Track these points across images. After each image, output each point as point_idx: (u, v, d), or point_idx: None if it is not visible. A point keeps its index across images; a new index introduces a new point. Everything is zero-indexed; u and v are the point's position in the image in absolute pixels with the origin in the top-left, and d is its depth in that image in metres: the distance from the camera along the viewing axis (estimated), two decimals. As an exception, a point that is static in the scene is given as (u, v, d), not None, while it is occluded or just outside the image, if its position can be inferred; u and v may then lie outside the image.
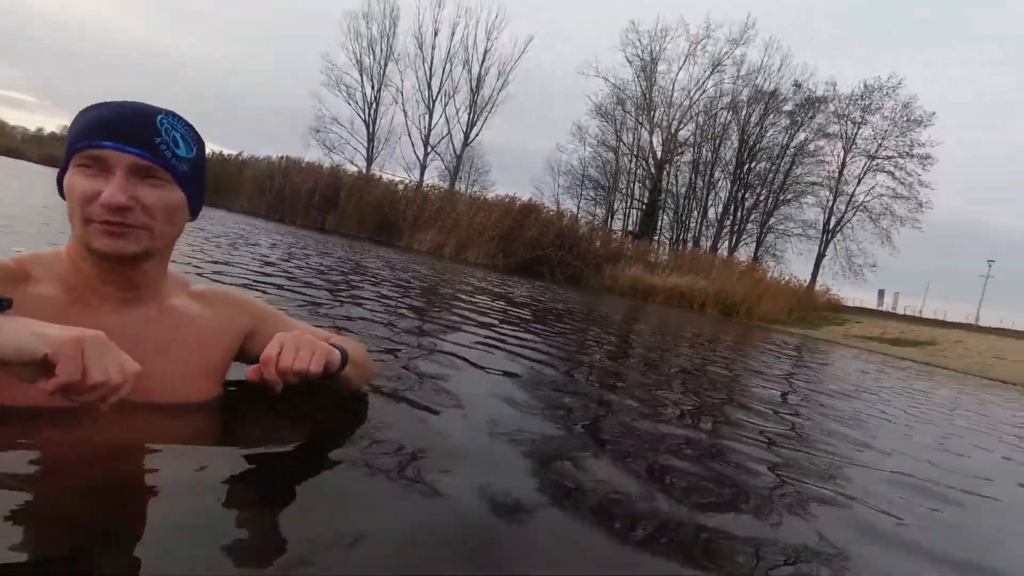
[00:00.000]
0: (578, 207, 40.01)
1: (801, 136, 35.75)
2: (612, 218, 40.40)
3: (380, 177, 31.21)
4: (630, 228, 38.40)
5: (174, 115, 1.05)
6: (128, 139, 0.95)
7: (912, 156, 32.56)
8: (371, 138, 40.80)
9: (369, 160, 40.51)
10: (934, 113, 32.13)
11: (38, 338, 0.74)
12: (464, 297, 6.63)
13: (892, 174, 33.49)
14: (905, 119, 32.69)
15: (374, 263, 9.41)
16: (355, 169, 35.04)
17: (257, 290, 3.67)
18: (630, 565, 1.07)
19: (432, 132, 40.70)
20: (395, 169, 47.36)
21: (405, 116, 40.67)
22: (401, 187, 30.26)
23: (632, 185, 40.37)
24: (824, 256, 35.21)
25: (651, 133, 38.49)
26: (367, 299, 4.35)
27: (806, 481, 1.86)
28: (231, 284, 3.55)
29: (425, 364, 2.53)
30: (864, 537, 1.45)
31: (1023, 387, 13.34)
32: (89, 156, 0.95)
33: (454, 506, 1.11)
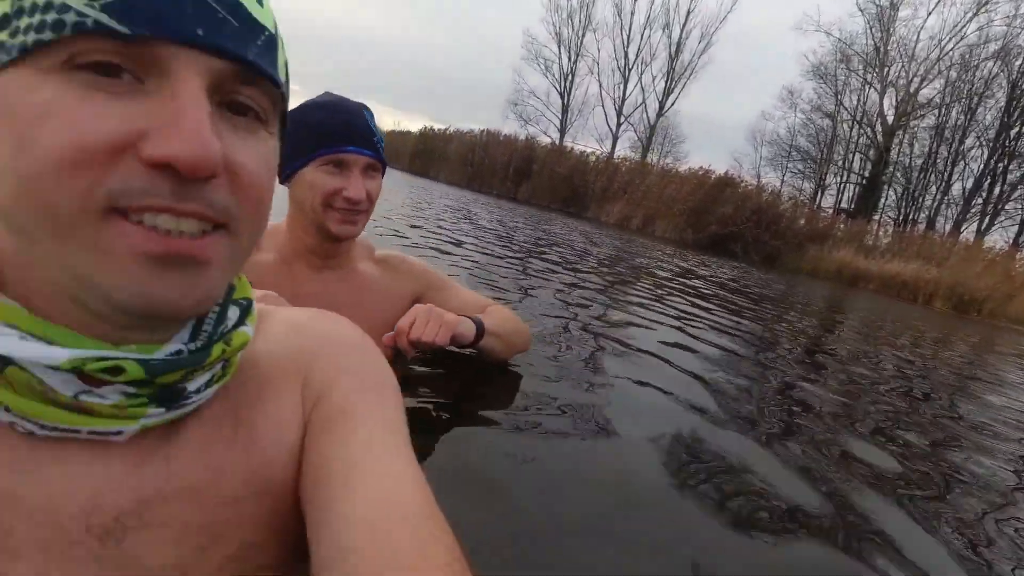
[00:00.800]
0: (782, 181, 36.43)
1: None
2: (822, 194, 36.02)
3: (571, 148, 31.88)
4: (843, 205, 33.92)
5: (368, 109, 1.17)
6: (363, 143, 1.09)
7: None
8: (565, 109, 41.60)
9: (562, 131, 41.47)
10: None
11: None
12: (646, 275, 6.81)
13: None
14: None
15: (562, 233, 9.98)
16: (548, 141, 36.21)
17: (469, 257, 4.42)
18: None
19: (626, 102, 40.09)
20: (587, 140, 47.91)
21: (600, 86, 40.70)
22: (592, 158, 30.60)
23: (851, 156, 35.36)
24: None
25: (882, 94, 33.06)
26: (548, 272, 4.88)
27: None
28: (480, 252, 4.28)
29: (603, 350, 2.87)
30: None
31: None
32: (333, 160, 1.10)
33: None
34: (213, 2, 0.31)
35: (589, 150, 32.31)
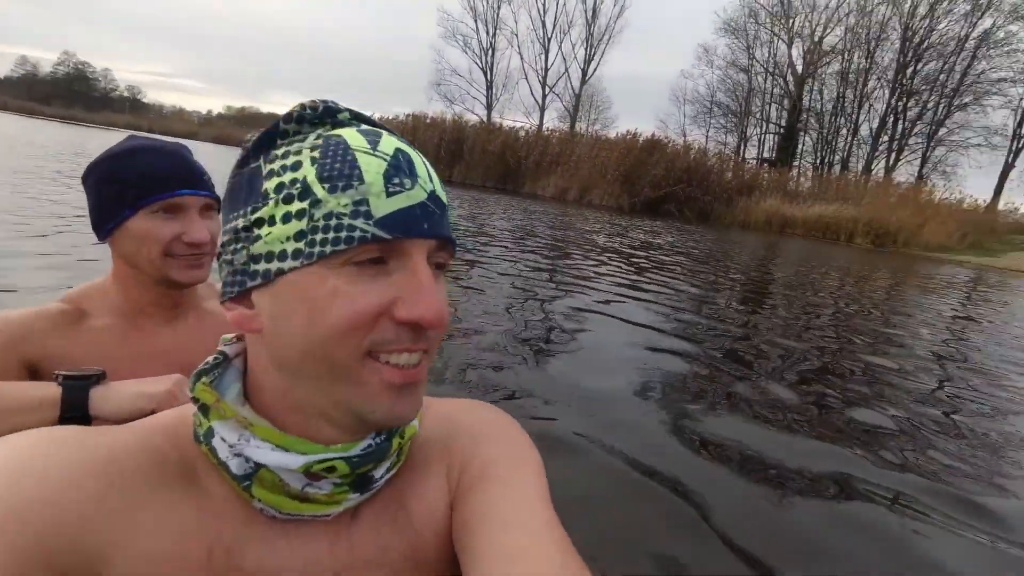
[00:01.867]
0: (707, 137, 37.53)
1: (987, 23, 29.87)
2: (745, 146, 37.41)
3: (500, 124, 31.63)
4: (765, 155, 35.37)
5: (187, 148, 1.12)
6: (196, 183, 1.04)
7: None
8: (489, 85, 41.13)
9: (489, 108, 41.05)
10: None
11: (142, 397, 0.87)
12: (589, 245, 6.86)
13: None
14: None
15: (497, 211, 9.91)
16: (476, 119, 35.76)
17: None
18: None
19: (549, 72, 40.01)
20: (515, 115, 47.56)
21: (521, 59, 40.36)
22: (522, 133, 30.47)
23: (768, 107, 36.81)
24: (1013, 167, 29.88)
25: (790, 44, 34.45)
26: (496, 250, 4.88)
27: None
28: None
29: (557, 316, 2.89)
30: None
31: None
32: (165, 206, 1.03)
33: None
34: (434, 208, 0.45)
35: (518, 124, 32.16)
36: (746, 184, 26.20)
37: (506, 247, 5.75)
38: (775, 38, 35.04)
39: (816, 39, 33.43)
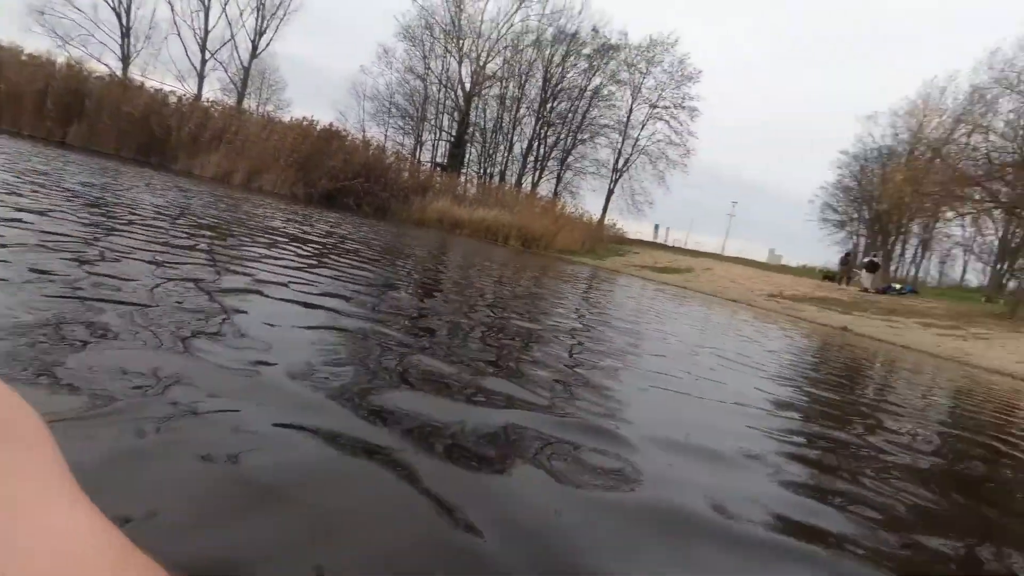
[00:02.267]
0: (385, 136, 38.29)
1: (597, 80, 38.44)
2: (421, 149, 39.59)
3: (142, 84, 25.86)
4: (439, 160, 38.09)
5: None
6: None
7: (683, 107, 37.35)
8: (125, 32, 33.36)
9: (125, 60, 33.28)
10: (701, 71, 37.05)
11: None
12: (258, 229, 5.94)
13: (668, 123, 38.16)
14: (680, 74, 37.12)
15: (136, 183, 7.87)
16: (106, 70, 28.52)
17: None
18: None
19: (210, 35, 34.73)
20: (164, 76, 39.72)
21: (172, 10, 33.91)
22: (173, 99, 25.52)
23: (441, 116, 39.78)
24: (613, 193, 39.27)
25: (460, 63, 37.94)
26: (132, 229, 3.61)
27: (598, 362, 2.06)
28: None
29: (229, 303, 2.24)
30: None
31: (743, 303, 16.77)
32: None
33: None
34: None
35: (168, 88, 26.86)
36: (421, 184, 27.56)
37: (155, 226, 4.41)
38: (447, 54, 38.09)
39: (481, 63, 37.60)
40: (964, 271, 39.17)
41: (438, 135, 39.83)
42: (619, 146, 39.11)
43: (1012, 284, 28.04)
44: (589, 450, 1.64)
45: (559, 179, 39.55)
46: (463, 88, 38.22)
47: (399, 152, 32.32)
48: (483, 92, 38.77)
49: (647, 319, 6.34)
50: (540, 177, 39.49)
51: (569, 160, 39.54)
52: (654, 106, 38.06)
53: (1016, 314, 16.78)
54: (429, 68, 38.36)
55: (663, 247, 38.61)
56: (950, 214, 29.09)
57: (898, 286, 23.33)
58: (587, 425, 1.88)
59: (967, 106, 24.68)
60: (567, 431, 1.77)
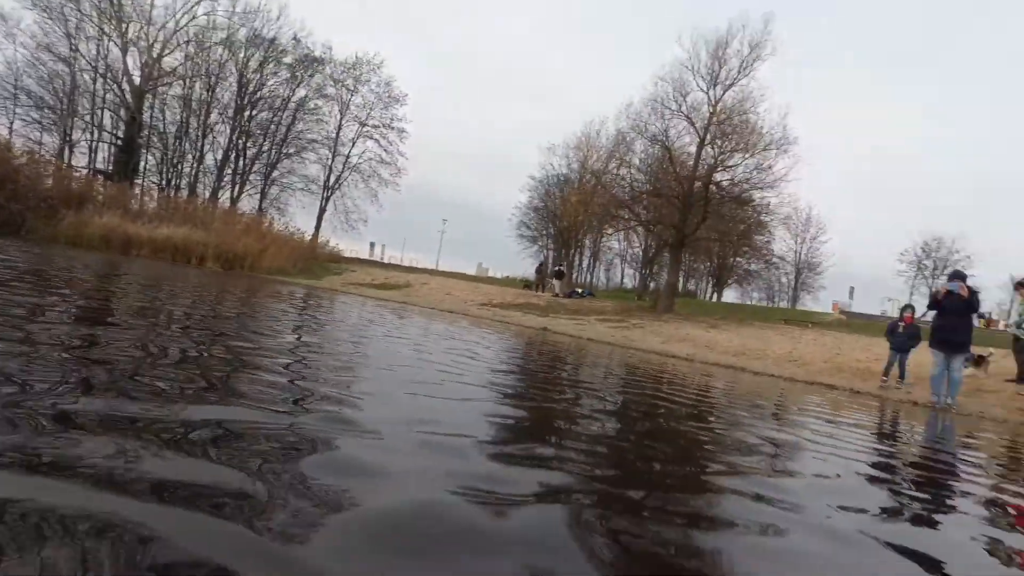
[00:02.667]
0: (10, 129, 29.21)
1: (302, 92, 36.37)
2: (72, 151, 31.40)
3: None
4: (100, 167, 30.83)
5: None
6: None
7: (392, 128, 38.10)
8: None
9: None
10: (407, 94, 38.38)
11: None
12: None
13: (378, 141, 38.39)
14: (387, 95, 37.79)
15: None
16: None
17: None
18: None
19: None
20: None
21: None
22: None
23: (99, 112, 32.27)
24: (325, 211, 37.57)
25: (124, 51, 31.41)
26: None
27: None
28: None
29: None
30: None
31: (459, 312, 17.78)
32: None
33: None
34: None
35: None
36: (75, 195, 21.85)
37: None
38: (105, 37, 31.15)
39: (155, 55, 31.84)
40: (622, 276, 49.43)
41: (97, 135, 32.19)
42: (329, 162, 37.73)
43: (652, 285, 36.46)
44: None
45: (263, 195, 36.08)
46: (131, 82, 31.76)
47: (35, 153, 25.02)
48: (159, 90, 32.91)
49: (371, 331, 5.95)
50: (241, 192, 35.38)
51: (275, 175, 36.44)
52: (364, 124, 37.94)
53: (657, 307, 21.72)
54: (77, 50, 30.73)
55: (380, 264, 38.62)
56: (610, 230, 36.37)
57: (580, 291, 27.92)
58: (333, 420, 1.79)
59: (615, 145, 31.24)
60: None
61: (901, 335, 9.07)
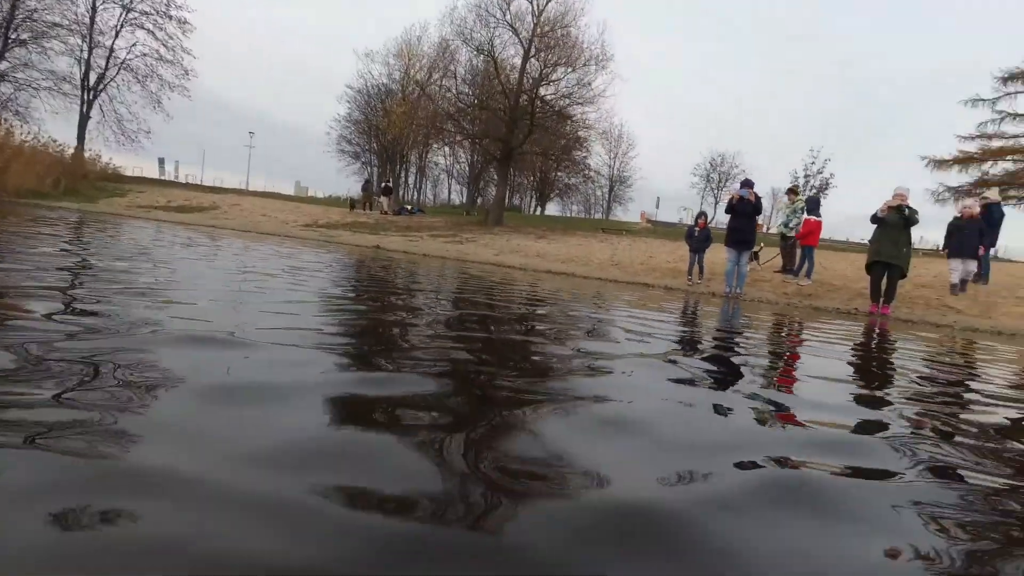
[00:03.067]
0: None
1: (28, -44, 27.93)
2: None
3: None
4: None
5: None
6: None
7: (169, 17, 31.45)
8: None
9: None
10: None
11: None
12: None
13: (153, 33, 31.55)
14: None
15: None
16: None
17: None
18: None
19: None
20: None
21: None
22: None
23: None
24: (90, 118, 30.57)
25: None
26: None
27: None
28: None
29: None
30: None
31: (282, 235, 16.24)
32: None
33: None
34: None
35: None
36: None
37: None
38: None
39: None
40: (450, 192, 49.17)
41: None
42: (84, 55, 30.28)
43: (479, 200, 36.84)
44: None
45: (-8, 94, 28.09)
46: None
47: None
48: None
49: (182, 257, 5.05)
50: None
51: (3, 68, 28.35)
52: (128, 8, 30.76)
53: (487, 221, 22.08)
54: None
55: (175, 184, 33.32)
56: (435, 145, 35.39)
57: (409, 207, 27.14)
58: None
59: (438, 54, 29.71)
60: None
61: (697, 238, 10.34)
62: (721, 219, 22.96)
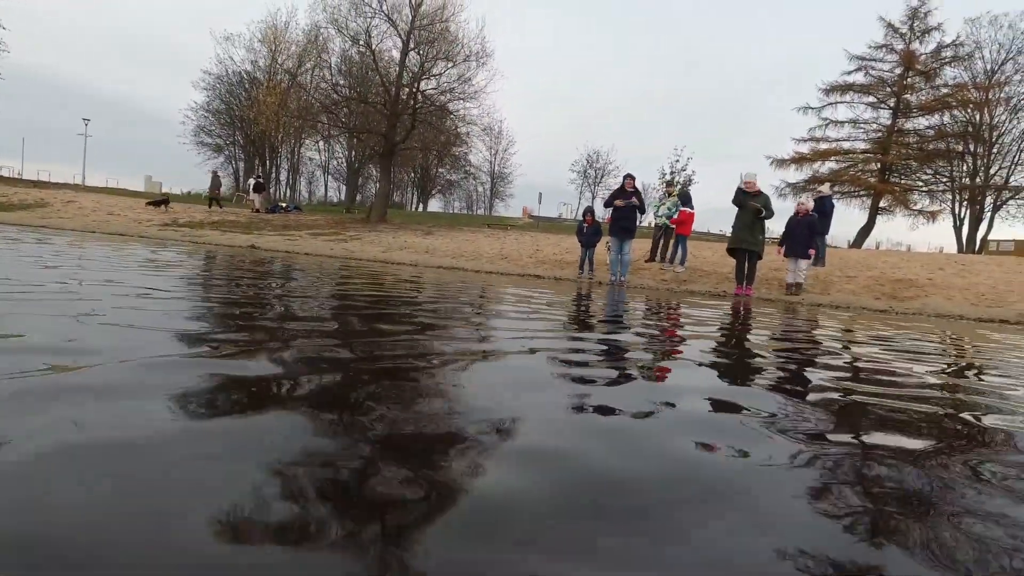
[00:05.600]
0: None
1: None
2: None
3: None
4: None
5: None
6: None
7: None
8: None
9: None
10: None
11: None
12: None
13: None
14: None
15: None
16: None
17: None
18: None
19: None
20: None
21: None
22: None
23: None
24: None
25: None
26: None
27: None
28: None
29: None
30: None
31: (135, 235, 14.49)
32: None
33: None
34: None
35: None
36: None
37: None
38: None
39: None
40: (327, 189, 46.84)
41: None
42: None
43: (359, 197, 35.52)
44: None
45: None
46: None
47: None
48: None
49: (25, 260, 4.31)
50: None
51: None
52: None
53: (371, 219, 21.37)
54: None
55: (-12, 179, 28.33)
56: (308, 141, 33.49)
57: (284, 204, 25.44)
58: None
59: (308, 42, 28.09)
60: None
61: (586, 233, 10.74)
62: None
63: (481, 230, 19.80)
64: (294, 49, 30.65)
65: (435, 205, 48.58)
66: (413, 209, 43.90)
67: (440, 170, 41.59)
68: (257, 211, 22.56)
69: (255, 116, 28.88)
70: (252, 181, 25.83)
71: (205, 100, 35.60)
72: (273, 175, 36.60)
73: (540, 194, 33.53)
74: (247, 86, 32.57)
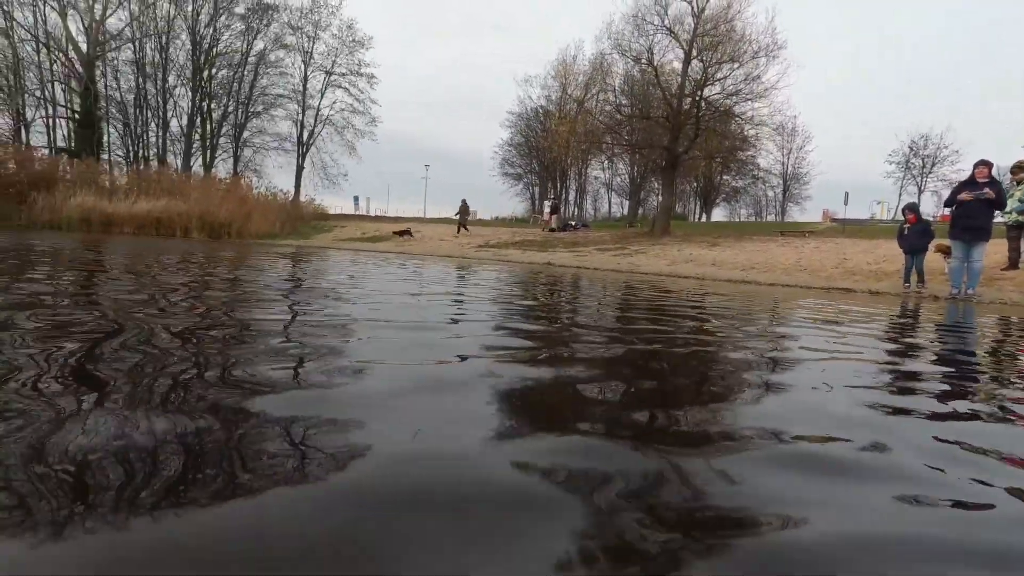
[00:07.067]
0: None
1: (260, 44, 34.45)
2: (27, 130, 29.82)
3: None
4: (61, 144, 29.41)
5: None
6: None
7: (360, 74, 36.39)
8: None
9: None
10: (372, 37, 36.53)
11: None
12: None
13: (348, 90, 36.77)
14: (351, 39, 35.87)
15: None
16: None
17: None
18: None
19: None
20: None
21: None
22: None
23: (49, 86, 30.44)
24: (303, 168, 36.46)
25: (64, 15, 29.31)
26: None
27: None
28: None
29: None
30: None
31: (458, 256, 17.58)
32: None
33: None
34: None
35: None
36: (42, 177, 20.89)
37: None
38: (41, 1, 28.96)
39: (98, 17, 29.74)
40: (610, 205, 49.12)
41: (51, 111, 30.52)
42: (299, 117, 36.28)
43: (641, 211, 36.23)
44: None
45: (236, 158, 34.87)
46: (77, 49, 29.81)
47: (-10, 136, 23.72)
48: (109, 56, 30.98)
49: (390, 279, 5.79)
50: (212, 157, 34.12)
51: (245, 136, 35.06)
52: (330, 73, 36.21)
53: (654, 231, 21.62)
54: (12, 19, 28.64)
55: (367, 218, 37.92)
56: (593, 160, 35.72)
57: (573, 223, 27.68)
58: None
59: (594, 70, 30.09)
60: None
61: (908, 236, 8.81)
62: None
63: (773, 238, 18.13)
64: (581, 79, 33.29)
65: (719, 214, 46.29)
66: (696, 219, 42.61)
67: (725, 177, 39.48)
68: (553, 230, 25.04)
69: (549, 144, 32.26)
70: (548, 204, 28.79)
71: (509, 136, 41.38)
72: (563, 196, 40.11)
73: (846, 193, 28.74)
74: (542, 118, 36.64)
